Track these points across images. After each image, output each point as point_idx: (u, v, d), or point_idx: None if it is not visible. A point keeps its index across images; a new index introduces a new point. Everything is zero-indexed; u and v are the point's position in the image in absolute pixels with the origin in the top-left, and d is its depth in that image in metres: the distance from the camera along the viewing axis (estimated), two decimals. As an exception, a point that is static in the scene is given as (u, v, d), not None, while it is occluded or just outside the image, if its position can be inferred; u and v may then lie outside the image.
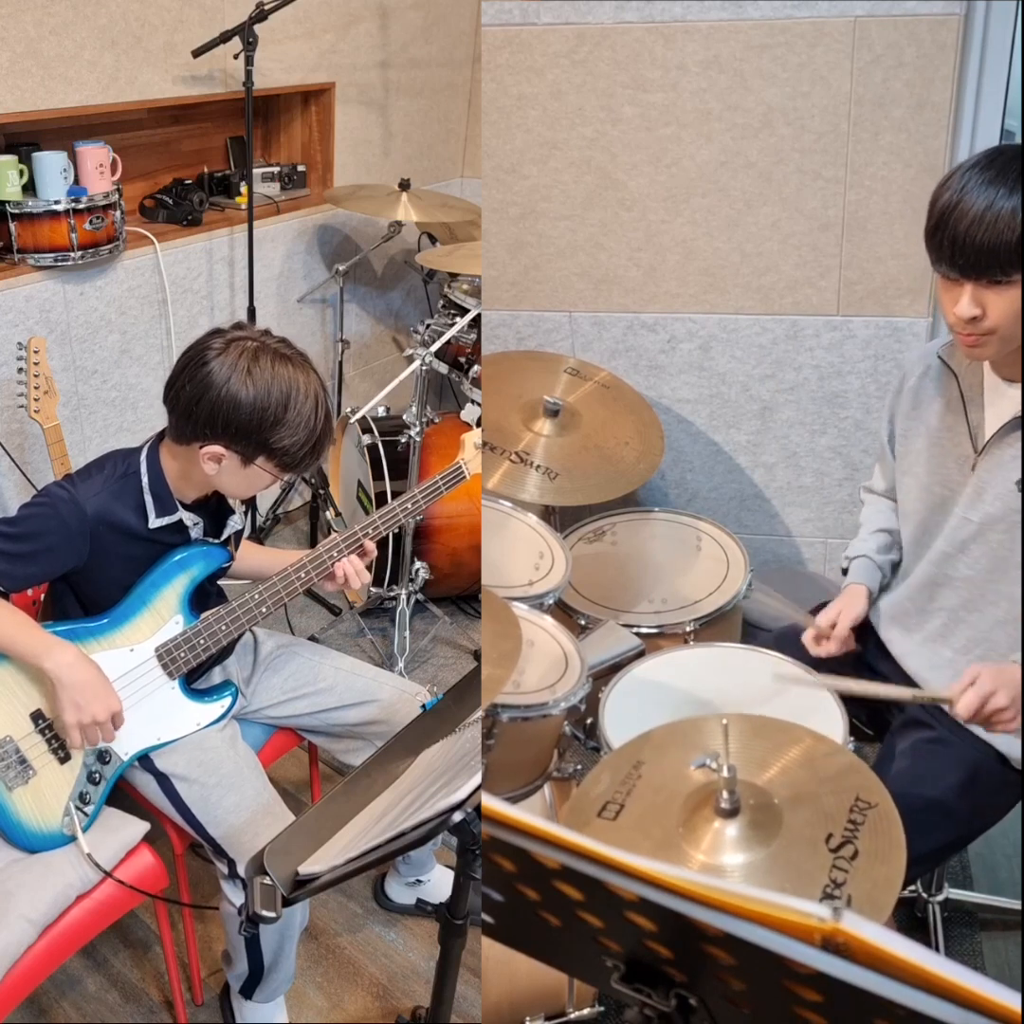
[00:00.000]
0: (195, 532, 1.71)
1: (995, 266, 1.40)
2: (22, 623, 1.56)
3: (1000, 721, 1.48)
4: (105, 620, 1.65)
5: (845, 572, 1.86)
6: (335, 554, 1.77)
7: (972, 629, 1.65)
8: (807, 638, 1.78)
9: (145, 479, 1.64)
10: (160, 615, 1.67)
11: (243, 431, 1.56)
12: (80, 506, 1.59)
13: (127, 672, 1.65)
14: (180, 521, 1.68)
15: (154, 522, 1.64)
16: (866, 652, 1.82)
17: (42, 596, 1.84)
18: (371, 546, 1.81)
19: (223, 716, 1.75)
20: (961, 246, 1.41)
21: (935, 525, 1.68)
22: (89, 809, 1.63)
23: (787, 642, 1.84)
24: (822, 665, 1.78)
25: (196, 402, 1.55)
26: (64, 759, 1.61)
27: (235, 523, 1.78)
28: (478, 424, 2.61)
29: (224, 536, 1.76)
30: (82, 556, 1.61)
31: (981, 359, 1.58)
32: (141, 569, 1.66)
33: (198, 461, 1.60)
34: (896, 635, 1.78)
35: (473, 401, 2.72)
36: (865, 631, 1.82)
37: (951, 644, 1.68)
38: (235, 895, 1.69)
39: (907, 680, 1.74)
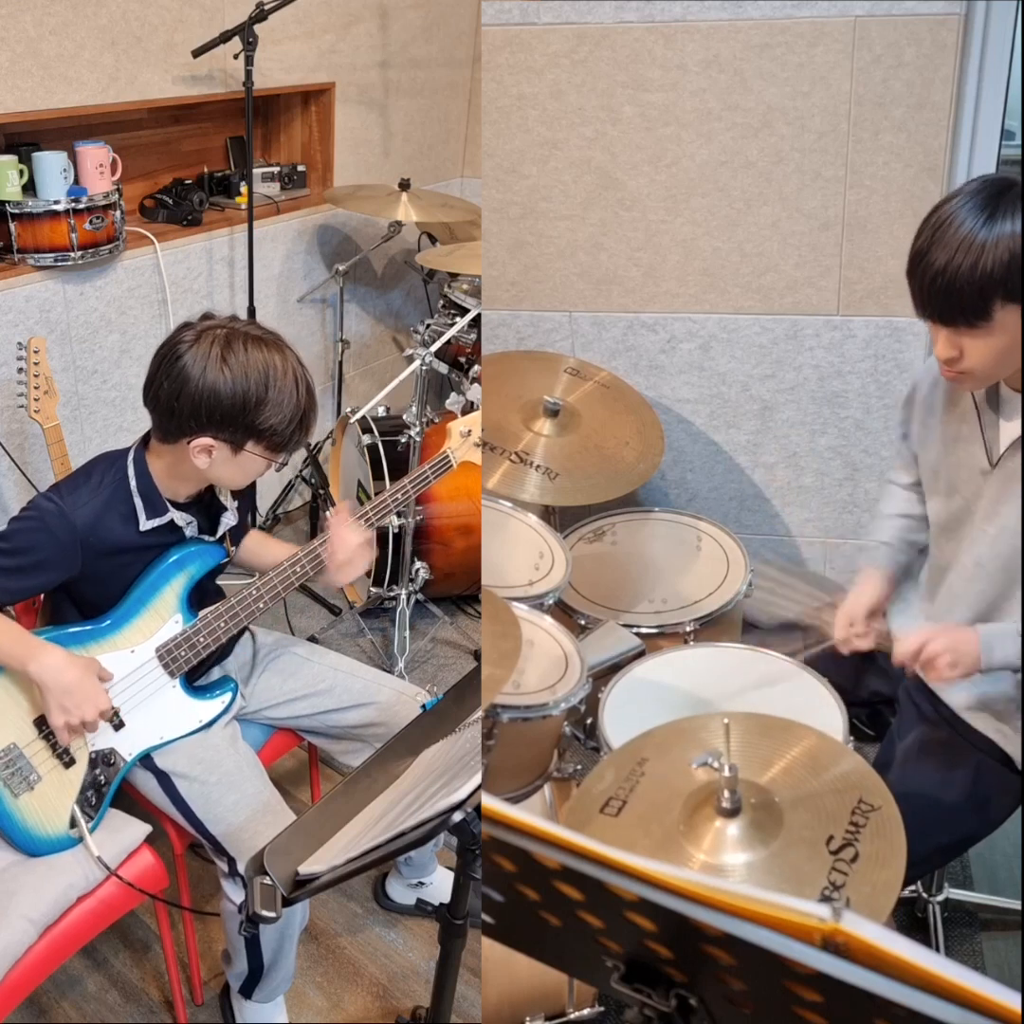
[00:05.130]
0: (189, 531, 1.71)
1: (959, 317, 1.40)
2: (7, 629, 1.55)
3: (936, 667, 1.50)
4: (105, 622, 1.64)
5: None
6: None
7: None
8: (837, 640, 1.73)
9: (133, 482, 1.63)
10: (160, 615, 1.67)
11: (228, 418, 1.56)
12: (68, 519, 1.57)
13: (129, 674, 1.65)
14: (172, 521, 1.67)
15: (145, 525, 1.64)
16: (878, 656, 1.82)
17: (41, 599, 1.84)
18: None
19: (224, 711, 1.75)
20: (928, 296, 1.41)
21: (952, 536, 1.68)
22: (94, 812, 1.63)
23: (784, 636, 1.84)
24: (829, 666, 1.78)
25: (176, 398, 1.55)
26: (69, 764, 1.61)
27: (229, 520, 1.77)
28: (463, 412, 2.60)
29: (219, 534, 1.76)
30: (75, 567, 1.60)
31: (964, 391, 1.59)
32: (137, 573, 1.66)
33: (188, 457, 1.60)
34: None
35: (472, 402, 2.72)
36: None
37: None
38: (235, 893, 1.69)
39: (929, 693, 1.73)
